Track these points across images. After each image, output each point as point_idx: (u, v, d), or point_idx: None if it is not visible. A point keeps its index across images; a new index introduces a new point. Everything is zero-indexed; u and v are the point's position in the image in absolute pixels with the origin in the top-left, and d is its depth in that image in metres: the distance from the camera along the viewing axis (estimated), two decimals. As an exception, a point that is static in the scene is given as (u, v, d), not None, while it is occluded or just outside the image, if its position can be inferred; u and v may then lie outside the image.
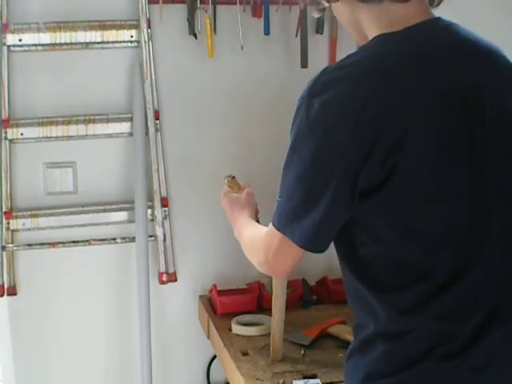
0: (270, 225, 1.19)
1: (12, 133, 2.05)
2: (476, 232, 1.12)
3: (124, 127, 2.13)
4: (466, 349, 1.12)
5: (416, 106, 1.08)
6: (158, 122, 2.14)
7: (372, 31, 1.18)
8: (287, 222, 1.14)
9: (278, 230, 1.16)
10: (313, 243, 1.14)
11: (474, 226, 1.12)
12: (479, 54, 1.18)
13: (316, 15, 1.31)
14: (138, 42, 2.10)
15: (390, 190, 1.08)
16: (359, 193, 1.10)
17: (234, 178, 1.61)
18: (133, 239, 2.13)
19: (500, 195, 1.14)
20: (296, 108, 1.13)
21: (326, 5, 1.23)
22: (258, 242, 1.25)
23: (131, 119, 2.12)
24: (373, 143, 1.06)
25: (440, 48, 1.14)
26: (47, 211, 2.10)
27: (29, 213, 2.09)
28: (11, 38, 2.02)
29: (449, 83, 1.11)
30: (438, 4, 1.21)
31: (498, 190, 1.14)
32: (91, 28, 2.06)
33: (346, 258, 1.21)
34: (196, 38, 2.10)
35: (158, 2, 2.08)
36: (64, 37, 2.05)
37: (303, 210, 1.12)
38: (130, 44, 2.11)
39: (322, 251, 1.15)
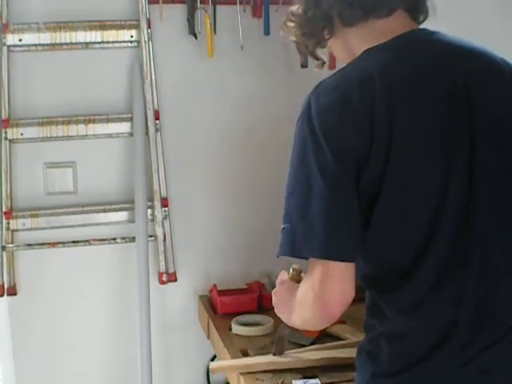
0: (310, 261, 1.15)
1: (12, 133, 2.05)
2: (466, 229, 1.13)
3: (124, 127, 2.13)
4: (466, 347, 1.12)
5: (407, 105, 1.12)
6: (158, 121, 2.14)
7: (361, 50, 1.22)
8: (310, 244, 1.11)
9: (315, 257, 1.12)
10: (334, 250, 1.10)
11: (465, 224, 1.13)
12: (466, 54, 1.20)
13: (319, 68, 1.36)
14: (138, 41, 2.10)
15: (386, 192, 1.10)
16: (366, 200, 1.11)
17: (301, 272, 1.45)
18: (133, 239, 2.13)
19: (489, 194, 1.14)
20: (295, 130, 1.16)
21: (328, 45, 1.31)
22: (303, 286, 1.20)
23: (131, 119, 2.12)
24: (370, 140, 1.09)
25: (427, 52, 1.17)
26: (47, 211, 2.10)
27: (29, 213, 2.09)
28: (11, 38, 2.02)
29: (437, 84, 1.14)
30: (423, 20, 1.26)
31: (489, 189, 1.14)
32: (91, 28, 2.06)
33: None
34: (196, 37, 2.10)
35: (157, 2, 2.08)
36: (64, 37, 2.05)
37: (319, 224, 1.10)
38: (129, 44, 2.11)
39: (348, 259, 1.10)
